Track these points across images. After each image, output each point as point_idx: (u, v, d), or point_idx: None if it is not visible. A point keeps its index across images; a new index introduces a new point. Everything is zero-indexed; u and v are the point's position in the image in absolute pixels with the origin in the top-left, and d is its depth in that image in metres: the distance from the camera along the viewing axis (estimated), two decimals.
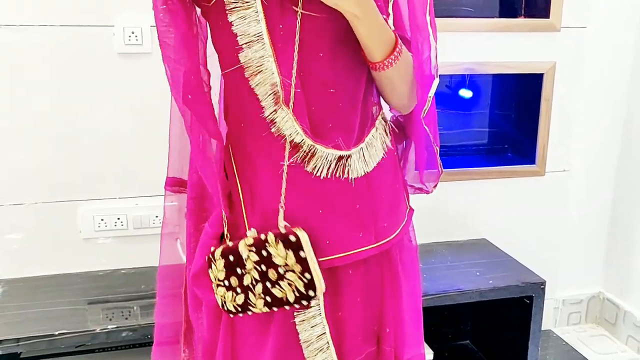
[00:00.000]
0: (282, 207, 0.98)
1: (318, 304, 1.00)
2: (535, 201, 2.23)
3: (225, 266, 0.99)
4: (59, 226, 1.83)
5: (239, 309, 1.00)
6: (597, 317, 2.61)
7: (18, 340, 1.50)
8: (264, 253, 0.96)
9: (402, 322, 1.12)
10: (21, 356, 1.73)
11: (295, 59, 0.95)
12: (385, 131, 1.09)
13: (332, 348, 1.03)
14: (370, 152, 1.04)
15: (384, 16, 1.00)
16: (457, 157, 2.24)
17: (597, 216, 2.51)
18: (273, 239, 0.95)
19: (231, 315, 1.02)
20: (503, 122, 2.30)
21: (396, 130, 1.15)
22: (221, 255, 0.99)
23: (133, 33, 1.73)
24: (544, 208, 2.25)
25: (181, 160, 1.15)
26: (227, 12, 0.95)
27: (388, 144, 1.08)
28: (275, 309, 0.98)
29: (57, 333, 1.52)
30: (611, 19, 2.25)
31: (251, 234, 0.98)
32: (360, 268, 1.04)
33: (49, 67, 1.72)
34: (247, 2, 0.93)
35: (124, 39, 1.73)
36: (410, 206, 1.16)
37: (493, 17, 2.10)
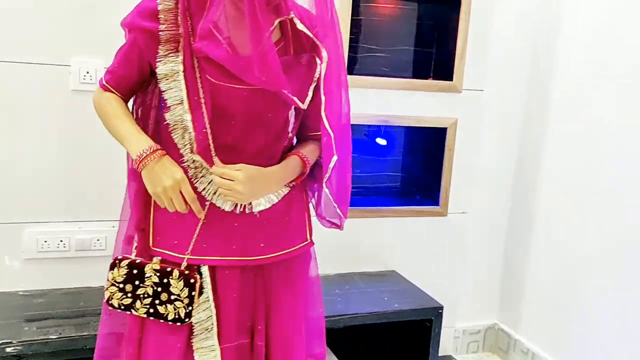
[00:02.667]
0: (188, 253, 1.26)
1: (208, 297, 1.27)
2: (438, 239, 2.52)
3: (126, 274, 1.27)
4: (3, 246, 1.95)
5: (122, 308, 1.27)
6: (493, 346, 2.93)
7: None
8: (164, 280, 1.25)
9: (281, 328, 1.36)
10: None
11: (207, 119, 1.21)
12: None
13: (215, 329, 1.28)
14: (269, 196, 1.31)
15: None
16: (372, 197, 2.51)
17: (493, 254, 2.85)
18: (177, 275, 1.24)
19: (109, 309, 1.29)
20: (413, 168, 2.60)
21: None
22: (127, 265, 1.27)
23: (87, 73, 1.92)
24: (446, 245, 2.54)
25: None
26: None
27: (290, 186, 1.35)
28: (152, 318, 1.27)
29: None
30: (504, 84, 2.64)
31: (157, 261, 1.27)
32: (236, 272, 1.29)
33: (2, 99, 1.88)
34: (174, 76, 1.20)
35: (79, 78, 1.92)
36: (310, 240, 1.41)
37: (407, 78, 2.41)
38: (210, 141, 1.23)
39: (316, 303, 1.50)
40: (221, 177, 1.22)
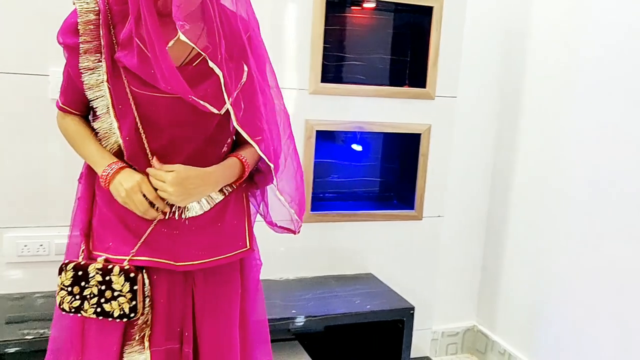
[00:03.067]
0: (133, 250, 1.30)
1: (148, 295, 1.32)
2: (414, 242, 2.58)
3: (72, 277, 1.31)
4: None
5: (72, 310, 1.31)
6: (471, 347, 2.98)
7: None
8: (107, 278, 1.28)
9: (211, 334, 1.38)
10: None
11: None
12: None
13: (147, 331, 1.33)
14: (202, 202, 1.34)
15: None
16: (349, 201, 2.57)
17: (470, 258, 2.91)
18: (118, 271, 1.28)
19: (63, 312, 1.33)
20: (389, 173, 2.66)
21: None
22: (72, 268, 1.31)
23: None
24: (422, 248, 2.59)
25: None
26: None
27: (226, 192, 1.38)
28: (101, 317, 1.30)
29: None
30: (477, 91, 2.71)
31: (100, 260, 1.31)
32: (163, 277, 1.33)
33: None
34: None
35: (57, 87, 1.97)
36: (250, 247, 1.42)
37: (382, 85, 2.47)
38: (146, 145, 1.27)
39: (258, 309, 1.52)
40: (155, 178, 1.27)
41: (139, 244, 1.31)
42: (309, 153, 2.31)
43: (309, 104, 2.29)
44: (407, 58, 2.54)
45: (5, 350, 1.77)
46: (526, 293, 2.62)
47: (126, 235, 1.32)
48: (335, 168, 2.55)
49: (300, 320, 2.03)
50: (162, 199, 1.29)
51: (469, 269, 2.92)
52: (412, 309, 2.21)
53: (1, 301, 1.99)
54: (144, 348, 1.32)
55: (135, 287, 1.28)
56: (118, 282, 1.28)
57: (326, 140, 2.47)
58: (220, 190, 1.37)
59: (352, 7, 2.44)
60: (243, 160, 1.36)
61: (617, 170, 2.15)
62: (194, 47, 1.19)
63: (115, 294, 1.28)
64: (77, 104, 1.34)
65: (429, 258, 2.62)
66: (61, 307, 1.33)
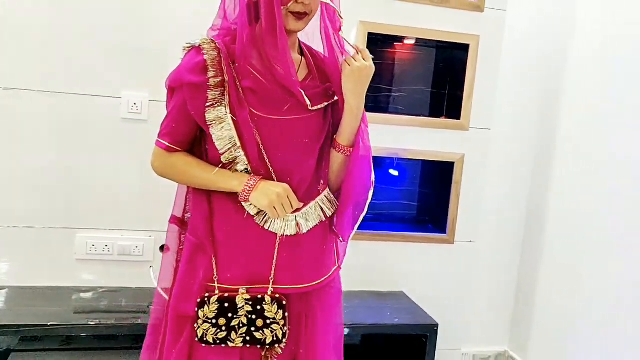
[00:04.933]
0: (272, 277, 1.36)
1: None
2: (446, 265, 2.72)
3: (217, 309, 1.33)
4: (59, 247, 2.32)
5: (217, 342, 1.34)
6: None
7: (18, 327, 1.98)
8: (258, 307, 1.33)
9: (315, 347, 1.44)
10: (14, 348, 2.19)
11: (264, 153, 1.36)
12: (324, 204, 1.43)
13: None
14: (308, 218, 1.40)
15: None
16: (385, 223, 2.75)
17: (505, 284, 3.01)
18: (270, 300, 1.34)
19: (203, 345, 1.35)
20: (424, 198, 2.82)
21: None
22: (217, 300, 1.34)
23: (135, 104, 2.28)
24: (454, 271, 2.73)
25: (180, 204, 1.51)
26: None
27: (326, 213, 1.43)
28: (248, 345, 1.35)
29: (48, 324, 1.99)
30: (513, 124, 2.85)
31: (243, 291, 1.35)
32: (288, 299, 1.38)
33: (56, 125, 2.26)
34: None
35: (127, 108, 2.28)
36: (339, 265, 1.50)
37: (421, 116, 2.66)
38: (270, 168, 1.36)
39: (340, 317, 1.59)
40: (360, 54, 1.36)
41: (273, 272, 1.36)
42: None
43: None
44: (445, 91, 2.72)
45: (72, 334, 2.05)
46: (559, 321, 2.69)
47: (255, 264, 1.37)
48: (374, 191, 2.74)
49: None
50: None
51: (503, 295, 3.02)
52: (436, 325, 2.35)
53: (71, 292, 2.29)
54: None
55: (286, 314, 1.34)
56: (271, 310, 1.33)
57: None
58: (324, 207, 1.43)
59: (394, 43, 2.65)
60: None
61: None
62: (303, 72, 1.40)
63: (268, 321, 1.33)
64: (185, 142, 1.39)
65: (461, 281, 2.75)
66: (204, 339, 1.34)
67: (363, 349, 2.59)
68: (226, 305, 1.34)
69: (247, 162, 1.34)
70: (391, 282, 2.68)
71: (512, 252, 2.99)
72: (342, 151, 1.42)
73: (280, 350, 1.39)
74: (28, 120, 2.23)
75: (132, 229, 2.36)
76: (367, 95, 2.49)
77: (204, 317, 1.34)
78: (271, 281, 1.36)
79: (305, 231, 1.39)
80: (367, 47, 2.45)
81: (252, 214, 1.37)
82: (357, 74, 1.34)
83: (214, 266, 1.37)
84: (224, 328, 1.33)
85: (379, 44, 2.61)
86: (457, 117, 2.63)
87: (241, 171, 1.36)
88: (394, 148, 2.59)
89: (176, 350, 1.38)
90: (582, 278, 2.55)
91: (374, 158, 2.63)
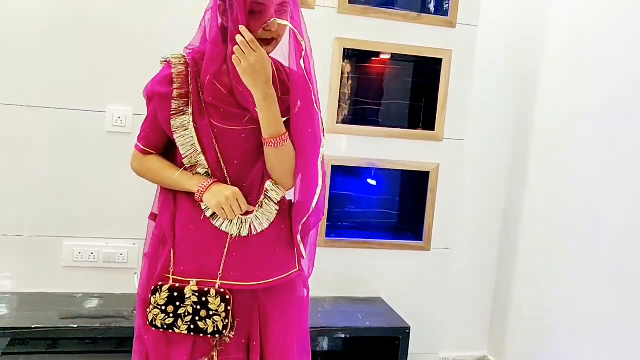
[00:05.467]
0: (220, 273, 1.48)
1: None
2: (423, 271, 2.80)
3: (167, 297, 1.47)
4: (47, 255, 2.42)
5: (164, 327, 1.47)
6: None
7: (6, 329, 2.08)
8: (203, 299, 1.46)
9: (273, 347, 1.54)
10: (4, 351, 2.29)
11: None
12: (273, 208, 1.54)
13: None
14: (259, 219, 1.51)
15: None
16: (363, 231, 2.84)
17: (482, 290, 3.10)
18: (214, 293, 1.46)
19: (153, 329, 1.48)
20: (401, 207, 2.92)
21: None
22: (168, 289, 1.48)
23: (119, 118, 2.39)
24: (431, 277, 2.82)
25: (156, 203, 1.63)
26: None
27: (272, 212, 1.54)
28: (192, 333, 1.48)
29: (32, 326, 2.10)
30: (488, 134, 2.95)
31: (193, 283, 1.47)
32: (237, 295, 1.51)
33: (45, 138, 2.37)
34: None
35: (112, 122, 2.39)
36: (300, 268, 1.59)
37: (397, 127, 2.76)
38: (225, 172, 1.50)
39: (303, 321, 1.67)
40: (243, 44, 1.37)
41: (222, 268, 1.48)
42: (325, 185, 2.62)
43: (325, 142, 2.60)
44: (420, 104, 2.82)
45: (58, 337, 2.15)
46: (536, 325, 2.77)
47: (206, 260, 1.50)
48: (351, 200, 2.84)
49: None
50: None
51: (481, 300, 3.10)
52: (408, 328, 2.44)
53: (58, 298, 2.39)
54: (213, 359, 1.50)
55: (229, 308, 1.46)
56: (214, 303, 1.45)
57: (345, 174, 2.77)
58: (276, 205, 1.54)
59: (371, 58, 2.76)
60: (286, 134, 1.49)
61: (622, 207, 2.30)
62: None
63: (211, 313, 1.45)
64: (158, 146, 1.56)
65: (438, 286, 2.83)
66: (153, 323, 1.48)
67: (336, 352, 2.68)
68: (175, 294, 1.47)
69: (207, 167, 1.50)
70: (369, 289, 2.77)
71: (488, 258, 3.07)
72: (268, 144, 1.47)
73: (228, 340, 1.51)
74: (17, 134, 2.35)
75: (116, 237, 2.46)
76: (345, 108, 2.65)
77: (155, 303, 1.48)
78: (219, 276, 1.49)
79: (258, 231, 1.51)
80: (344, 62, 2.60)
81: (208, 215, 1.51)
82: (250, 69, 1.39)
83: (172, 259, 1.51)
84: (171, 315, 1.47)
85: (356, 59, 2.71)
86: (432, 128, 2.73)
87: (202, 174, 1.51)
88: (370, 158, 2.68)
89: (143, 331, 1.54)
90: (557, 282, 2.63)
91: (353, 168, 2.76)
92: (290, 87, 1.52)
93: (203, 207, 1.51)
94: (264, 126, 1.46)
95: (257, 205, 1.52)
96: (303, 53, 1.47)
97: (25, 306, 2.29)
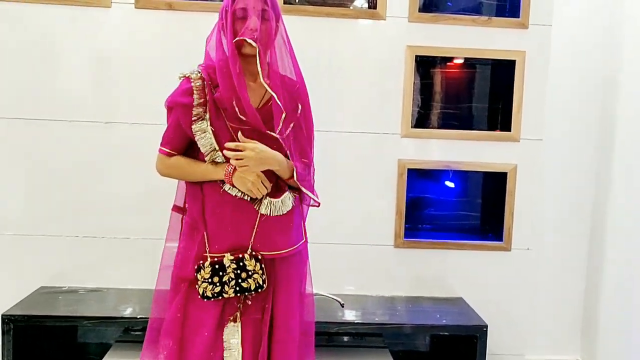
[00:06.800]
0: (250, 245, 1.76)
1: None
2: (504, 271, 2.81)
3: (211, 271, 1.74)
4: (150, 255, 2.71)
5: (215, 295, 1.74)
6: None
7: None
8: (241, 264, 1.74)
9: (278, 305, 1.79)
10: (118, 339, 2.60)
11: None
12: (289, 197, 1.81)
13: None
14: (277, 205, 1.78)
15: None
16: (442, 232, 2.90)
17: (570, 290, 3.04)
18: (248, 257, 1.74)
19: (205, 300, 1.73)
20: (480, 208, 2.95)
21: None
22: (210, 264, 1.74)
23: None
24: (513, 278, 2.81)
25: (180, 196, 1.89)
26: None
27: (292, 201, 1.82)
28: (239, 294, 1.74)
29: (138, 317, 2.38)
30: (567, 132, 2.92)
31: (228, 255, 1.74)
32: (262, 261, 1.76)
33: None
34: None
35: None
36: (305, 239, 1.87)
37: (473, 129, 2.81)
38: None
39: (302, 288, 1.91)
40: (238, 148, 1.68)
41: (252, 242, 1.75)
42: (402, 188, 2.73)
43: (401, 146, 2.72)
44: (496, 105, 2.86)
45: None
46: (630, 328, 2.69)
47: (237, 237, 1.76)
48: (429, 202, 2.92)
49: (389, 325, 2.46)
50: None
51: (571, 302, 3.05)
52: (486, 326, 2.46)
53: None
54: (236, 319, 1.78)
55: (263, 266, 1.73)
56: (250, 264, 1.72)
57: (422, 177, 2.86)
58: (292, 192, 1.82)
59: (444, 64, 2.84)
60: (296, 167, 1.79)
61: None
62: (268, 95, 1.76)
63: (250, 273, 1.72)
64: (180, 148, 1.81)
65: (520, 287, 2.82)
66: (205, 295, 1.72)
67: (417, 351, 2.76)
68: (217, 267, 1.74)
69: (224, 161, 1.74)
70: (449, 289, 2.82)
71: (576, 259, 3.02)
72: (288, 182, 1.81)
73: (249, 302, 1.77)
74: (132, 149, 2.67)
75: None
76: (420, 112, 2.75)
77: (201, 278, 1.74)
78: (250, 247, 1.76)
79: (277, 214, 1.78)
80: (417, 69, 2.70)
81: (233, 194, 1.75)
82: (257, 161, 1.70)
83: (206, 241, 1.78)
84: (217, 284, 1.73)
85: (428, 65, 2.81)
86: (508, 129, 2.75)
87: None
88: (447, 161, 2.75)
89: (175, 303, 1.78)
90: None
91: (429, 171, 2.84)
92: (294, 94, 1.81)
93: (227, 189, 1.75)
94: (281, 175, 1.79)
95: (281, 198, 1.78)
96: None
97: (135, 299, 2.59)
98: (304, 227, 1.91)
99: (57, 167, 2.68)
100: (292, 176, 1.78)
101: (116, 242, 2.72)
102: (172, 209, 1.91)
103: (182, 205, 1.89)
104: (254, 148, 1.69)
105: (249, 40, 1.65)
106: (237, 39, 1.67)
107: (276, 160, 1.74)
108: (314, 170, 1.90)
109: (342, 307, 2.58)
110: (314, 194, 1.86)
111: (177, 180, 1.90)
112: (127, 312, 2.46)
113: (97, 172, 2.69)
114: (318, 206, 1.91)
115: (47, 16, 2.62)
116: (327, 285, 2.70)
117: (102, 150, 2.68)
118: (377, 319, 2.49)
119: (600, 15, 2.89)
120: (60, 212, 2.71)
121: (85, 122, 2.66)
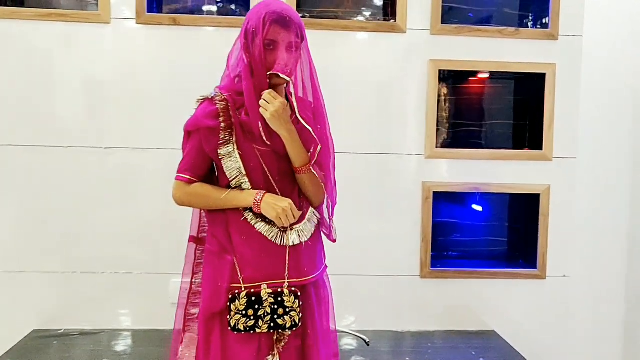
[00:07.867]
0: (286, 274, 1.63)
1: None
2: (540, 301, 2.60)
3: (246, 302, 1.61)
4: (155, 292, 2.48)
5: (247, 329, 1.60)
6: None
7: None
8: (279, 299, 1.62)
9: (316, 329, 1.70)
10: None
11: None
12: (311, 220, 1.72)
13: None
14: (303, 230, 1.69)
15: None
16: (471, 260, 2.69)
17: (610, 318, 2.82)
18: (287, 292, 1.62)
19: (235, 333, 1.60)
20: (511, 233, 2.74)
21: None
22: (245, 295, 1.62)
23: None
24: (549, 308, 2.60)
25: (195, 226, 1.79)
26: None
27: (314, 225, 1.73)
28: (272, 330, 1.61)
29: None
30: (599, 151, 2.73)
31: (265, 287, 1.62)
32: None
33: (160, 178, 2.46)
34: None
35: None
36: (325, 264, 1.77)
37: (501, 149, 2.62)
38: (274, 184, 1.67)
39: (330, 313, 1.82)
40: (270, 95, 1.58)
41: (287, 270, 1.64)
42: (427, 213, 2.52)
43: (425, 167, 2.52)
44: (524, 122, 2.67)
45: None
46: None
47: (271, 265, 1.64)
48: (456, 227, 2.71)
49: None
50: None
51: (610, 332, 2.83)
52: None
53: (168, 334, 2.43)
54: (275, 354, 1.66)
55: (301, 303, 1.63)
56: (289, 300, 1.62)
57: (448, 201, 2.66)
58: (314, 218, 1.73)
59: (468, 78, 2.66)
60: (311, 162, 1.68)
61: None
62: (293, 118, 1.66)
63: (287, 309, 1.62)
64: (201, 174, 1.69)
65: (557, 318, 2.61)
66: (237, 328, 1.61)
67: None
68: (253, 299, 1.62)
69: (249, 187, 1.65)
70: (480, 322, 2.60)
71: (615, 286, 2.81)
72: (299, 172, 1.67)
73: (289, 332, 1.66)
74: (127, 176, 2.45)
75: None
76: (444, 131, 2.56)
77: (235, 309, 1.61)
78: (286, 277, 1.64)
79: (304, 241, 1.69)
80: (440, 85, 2.52)
81: (257, 228, 1.65)
82: (275, 115, 1.58)
83: (238, 269, 1.65)
84: (252, 317, 1.61)
85: (453, 80, 2.62)
86: (540, 147, 2.56)
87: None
88: (474, 183, 2.55)
89: (212, 342, 1.65)
90: None
91: (456, 194, 2.64)
92: (313, 114, 1.72)
93: (249, 219, 1.65)
94: (293, 158, 1.65)
95: (305, 220, 1.69)
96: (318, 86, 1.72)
97: (140, 342, 2.36)
98: (324, 251, 1.80)
99: (53, 195, 2.47)
100: (304, 164, 1.67)
101: (118, 278, 2.49)
102: (189, 240, 1.78)
103: (196, 235, 1.78)
104: (283, 103, 1.60)
105: (282, 76, 1.59)
106: (270, 72, 1.60)
107: (293, 129, 1.64)
108: (336, 193, 1.78)
109: (368, 345, 2.35)
110: (332, 199, 1.76)
111: (183, 208, 1.73)
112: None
113: (96, 200, 2.48)
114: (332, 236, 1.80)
115: (41, 34, 2.42)
116: (350, 321, 2.47)
117: (101, 176, 2.47)
118: (407, 358, 2.27)
119: (631, 25, 2.73)
120: (55, 244, 2.49)
121: (83, 148, 2.45)
